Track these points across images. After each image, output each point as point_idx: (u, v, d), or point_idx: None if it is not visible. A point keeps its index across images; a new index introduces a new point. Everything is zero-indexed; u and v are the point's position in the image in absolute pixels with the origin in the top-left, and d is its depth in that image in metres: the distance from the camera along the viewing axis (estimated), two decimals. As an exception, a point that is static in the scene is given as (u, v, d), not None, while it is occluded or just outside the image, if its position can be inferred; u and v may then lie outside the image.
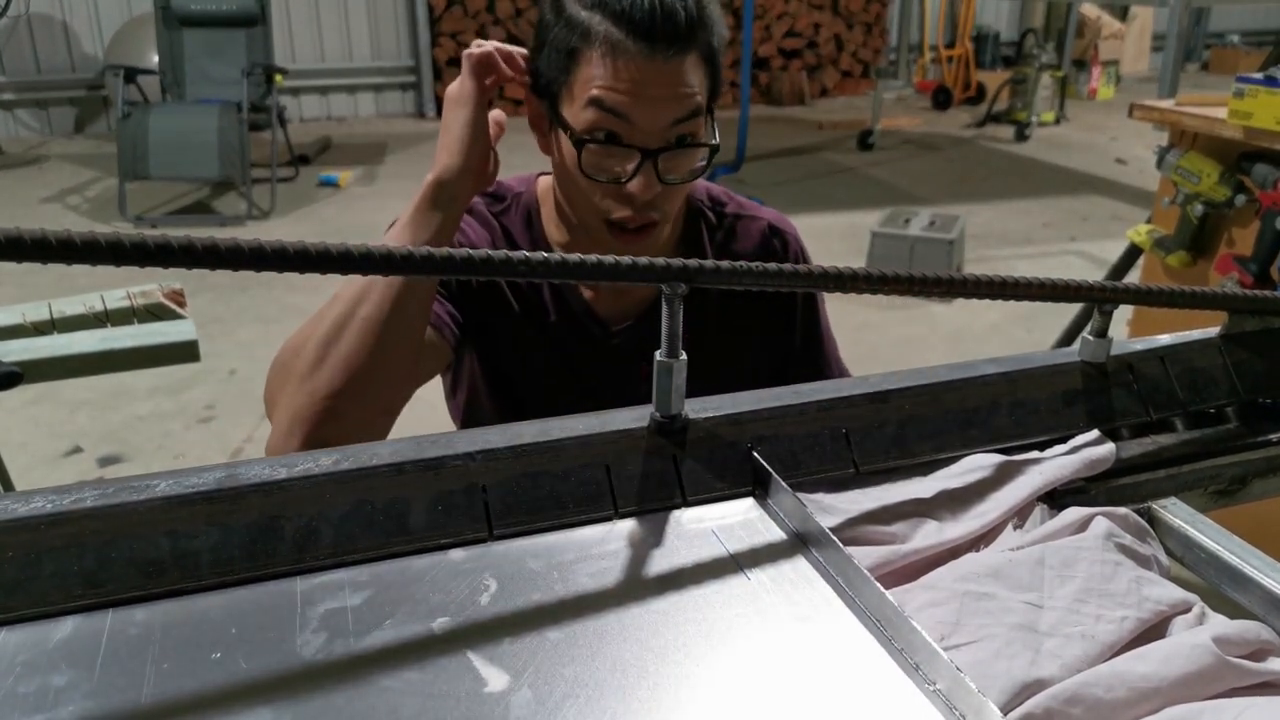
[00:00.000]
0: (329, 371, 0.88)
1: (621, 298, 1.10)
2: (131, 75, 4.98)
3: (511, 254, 0.57)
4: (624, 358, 1.07)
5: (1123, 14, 9.11)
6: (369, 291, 0.89)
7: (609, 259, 0.60)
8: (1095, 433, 0.75)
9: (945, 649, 0.51)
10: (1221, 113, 1.95)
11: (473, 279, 1.03)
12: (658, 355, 0.65)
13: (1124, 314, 2.47)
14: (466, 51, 0.95)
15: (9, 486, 1.84)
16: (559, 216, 1.08)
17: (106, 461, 2.70)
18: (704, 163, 0.99)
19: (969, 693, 0.47)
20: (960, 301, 3.76)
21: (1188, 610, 0.60)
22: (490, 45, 0.96)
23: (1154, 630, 0.58)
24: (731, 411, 0.69)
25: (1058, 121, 7.56)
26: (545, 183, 1.10)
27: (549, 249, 1.07)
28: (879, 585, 0.54)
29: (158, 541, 0.56)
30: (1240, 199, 1.96)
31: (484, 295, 1.06)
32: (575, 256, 0.59)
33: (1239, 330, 0.84)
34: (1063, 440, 0.75)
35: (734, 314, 1.12)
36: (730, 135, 6.04)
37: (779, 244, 1.15)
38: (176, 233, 0.48)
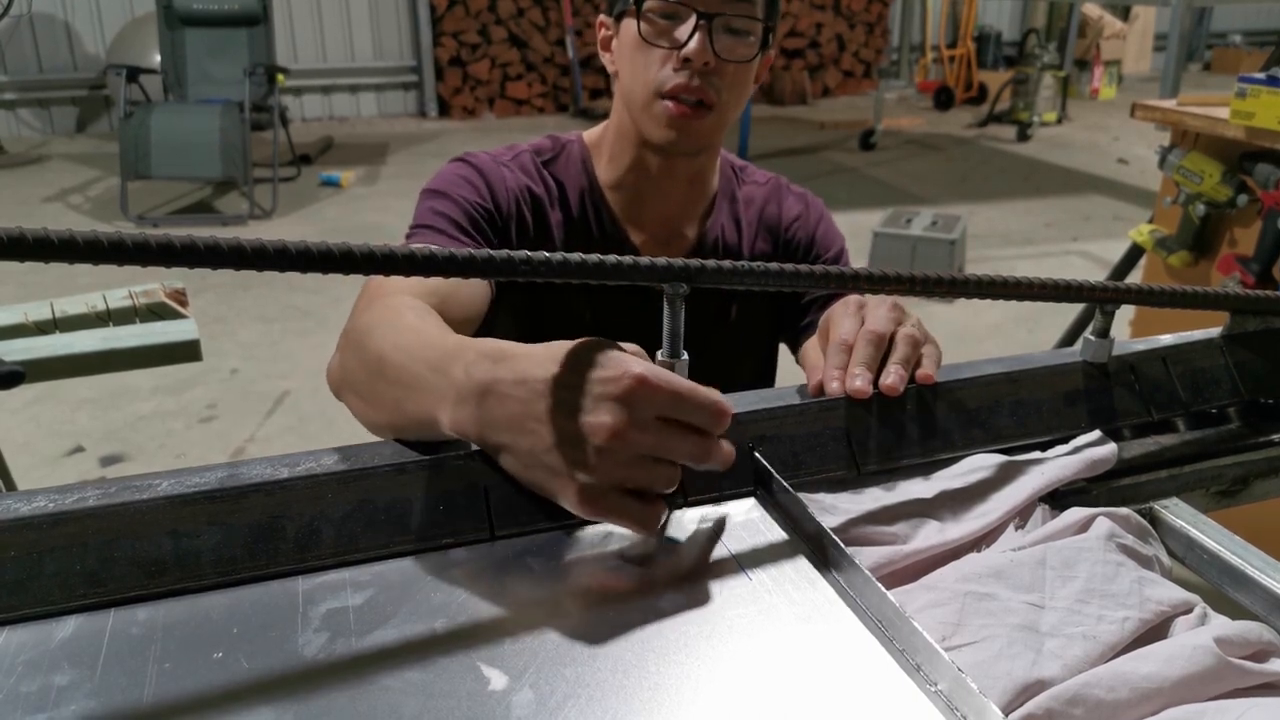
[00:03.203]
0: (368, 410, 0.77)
1: (669, 248, 1.14)
2: (133, 75, 4.97)
3: (513, 254, 0.57)
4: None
5: (1124, 14, 9.10)
6: (398, 387, 0.69)
7: (610, 259, 0.60)
8: (1097, 433, 0.75)
9: (946, 649, 0.51)
10: (1223, 113, 1.95)
11: (512, 232, 1.07)
12: (659, 355, 0.65)
13: (1126, 314, 2.46)
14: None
15: (11, 486, 1.84)
16: (610, 156, 1.12)
17: (108, 461, 2.70)
18: (757, 52, 1.04)
19: (970, 693, 0.47)
20: (962, 301, 3.75)
21: (1189, 611, 0.60)
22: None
23: (1156, 631, 0.58)
24: (733, 411, 0.69)
25: (1059, 121, 7.56)
26: (590, 134, 1.16)
27: (601, 192, 1.12)
28: (880, 585, 0.54)
29: (160, 541, 0.56)
30: (1242, 199, 1.96)
31: (526, 246, 1.07)
32: (577, 256, 0.59)
33: (1241, 330, 0.84)
34: (1064, 440, 0.75)
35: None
36: (732, 135, 6.05)
37: (786, 185, 1.22)
38: (178, 232, 0.48)
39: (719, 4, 0.99)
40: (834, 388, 0.73)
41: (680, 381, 0.58)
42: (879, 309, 0.77)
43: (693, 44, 0.98)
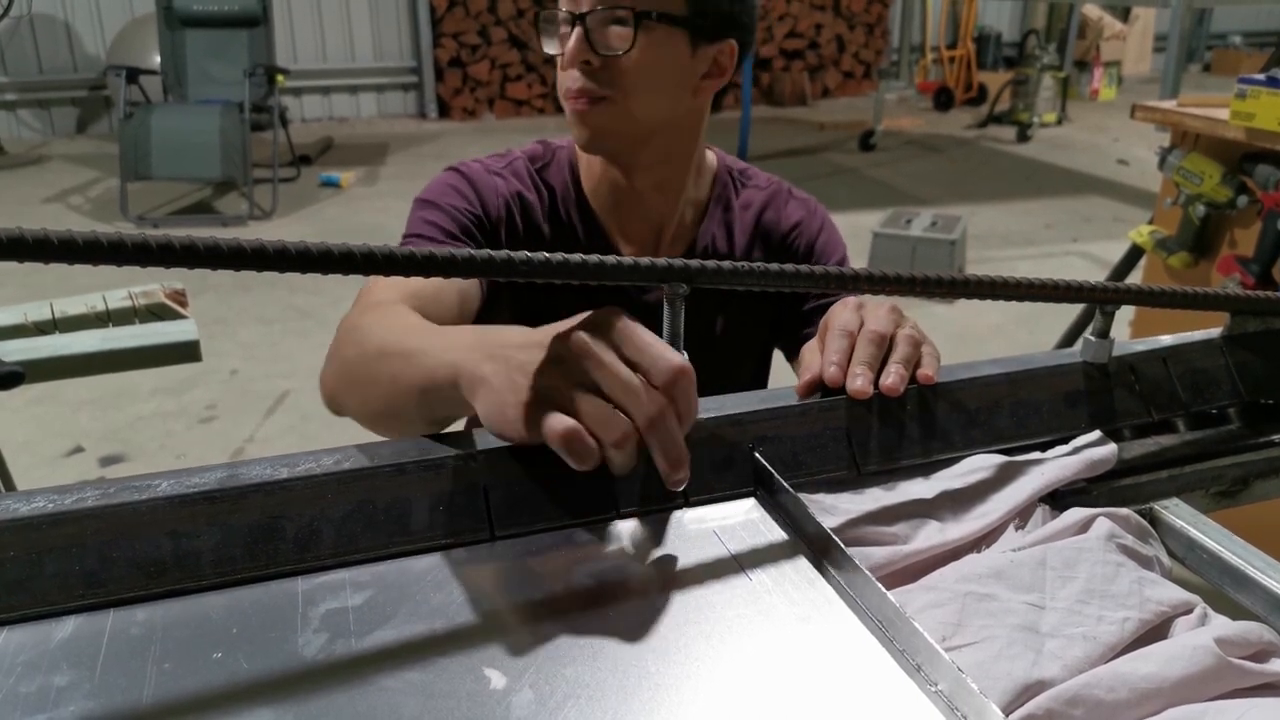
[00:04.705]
0: (363, 410, 0.84)
1: (656, 256, 1.12)
2: (134, 75, 4.98)
3: (512, 254, 0.57)
4: (659, 317, 1.09)
5: (1125, 15, 9.10)
6: (404, 375, 0.73)
7: (609, 259, 0.60)
8: (1097, 433, 0.75)
9: (947, 650, 0.51)
10: (1223, 114, 1.95)
11: (501, 237, 1.09)
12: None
13: (1126, 315, 2.46)
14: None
15: (11, 486, 1.84)
16: (586, 164, 1.13)
17: (108, 461, 2.70)
18: (633, 42, 1.01)
19: (970, 694, 0.47)
20: (962, 302, 3.75)
21: (1189, 611, 0.60)
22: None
23: (1156, 631, 0.58)
24: (733, 412, 0.69)
25: (1060, 122, 7.56)
26: None
27: (586, 201, 1.13)
28: (880, 586, 0.54)
29: (159, 541, 0.56)
30: (1242, 200, 1.96)
31: (519, 249, 1.07)
32: (576, 256, 0.59)
33: (1241, 331, 0.84)
34: (1064, 441, 0.75)
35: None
36: (732, 136, 6.05)
37: (788, 190, 1.20)
38: (178, 232, 0.48)
39: (589, 1, 1.00)
40: (832, 373, 0.73)
41: (644, 331, 0.60)
42: (878, 310, 0.77)
43: (571, 44, 1.01)
